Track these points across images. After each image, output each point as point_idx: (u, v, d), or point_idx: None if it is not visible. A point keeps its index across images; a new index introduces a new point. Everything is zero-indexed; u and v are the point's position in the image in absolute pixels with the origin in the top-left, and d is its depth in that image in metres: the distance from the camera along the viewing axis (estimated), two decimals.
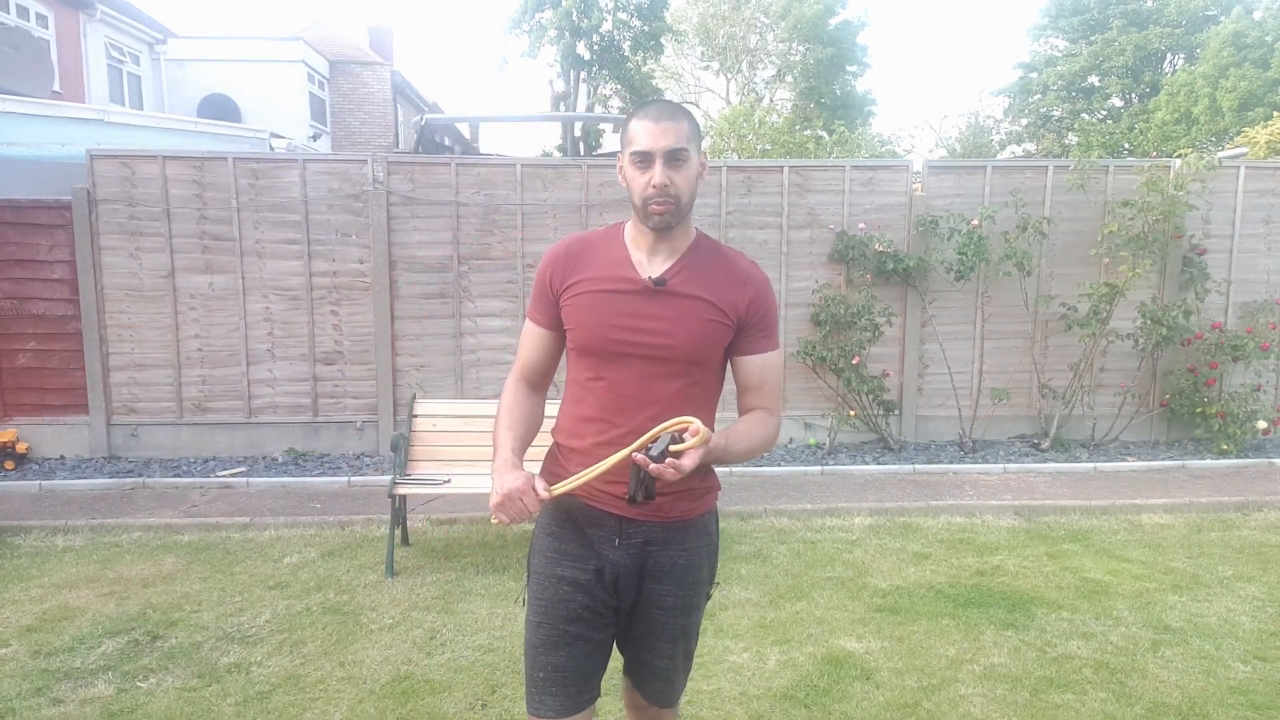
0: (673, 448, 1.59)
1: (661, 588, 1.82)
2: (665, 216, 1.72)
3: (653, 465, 1.55)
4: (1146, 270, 6.78)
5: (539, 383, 1.93)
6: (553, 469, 1.86)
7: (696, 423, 1.61)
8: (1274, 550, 4.69)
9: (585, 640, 1.80)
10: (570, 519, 1.82)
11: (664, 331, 1.74)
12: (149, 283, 6.59)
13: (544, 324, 1.86)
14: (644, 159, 1.70)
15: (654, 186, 1.70)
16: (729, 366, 1.88)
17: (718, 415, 1.86)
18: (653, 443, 1.60)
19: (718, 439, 1.68)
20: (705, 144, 12.23)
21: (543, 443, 1.97)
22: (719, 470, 1.89)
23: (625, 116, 1.77)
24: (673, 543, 1.81)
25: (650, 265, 1.78)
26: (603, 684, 1.88)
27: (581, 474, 1.71)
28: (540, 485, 1.66)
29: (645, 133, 1.70)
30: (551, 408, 2.00)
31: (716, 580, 1.95)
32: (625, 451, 1.65)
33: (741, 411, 1.88)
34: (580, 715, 1.82)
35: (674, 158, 1.70)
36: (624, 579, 1.81)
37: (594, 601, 1.80)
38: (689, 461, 1.58)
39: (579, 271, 1.80)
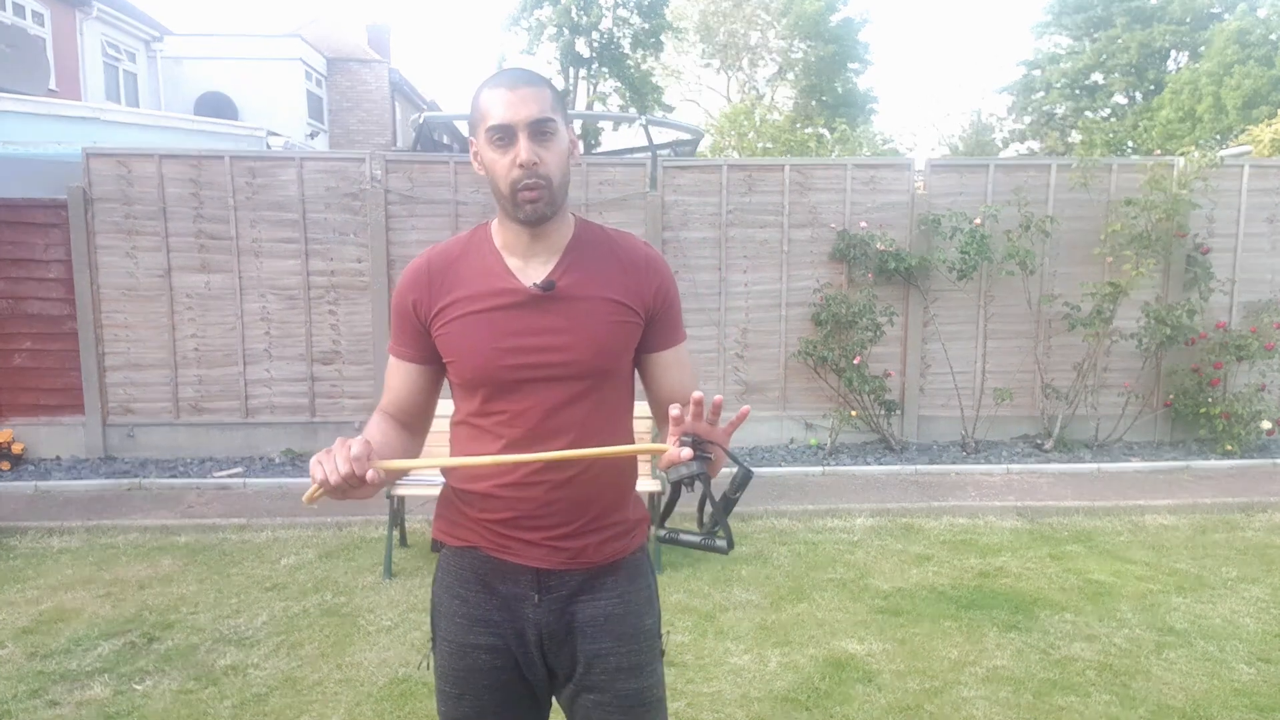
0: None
1: (598, 646, 1.50)
2: (539, 205, 1.41)
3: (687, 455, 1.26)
4: (1150, 269, 6.74)
5: (413, 424, 1.58)
6: (451, 517, 1.56)
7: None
8: (1278, 551, 4.66)
9: (520, 705, 1.54)
10: (476, 575, 1.51)
11: (562, 346, 1.45)
12: (145, 282, 6.55)
13: (412, 358, 1.53)
14: (504, 134, 1.39)
15: (520, 166, 1.39)
16: (636, 369, 1.59)
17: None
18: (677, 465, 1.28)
19: None
20: (696, 138, 11.41)
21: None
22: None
23: (475, 91, 1.48)
24: (602, 589, 1.51)
25: (530, 269, 1.48)
26: None
27: (418, 462, 1.41)
28: (357, 442, 1.27)
29: (501, 103, 1.39)
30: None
31: (666, 629, 1.65)
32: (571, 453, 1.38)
33: (660, 420, 1.58)
34: None
35: (539, 129, 1.39)
36: (550, 641, 1.50)
37: (520, 664, 1.52)
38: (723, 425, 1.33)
39: (448, 292, 1.48)
